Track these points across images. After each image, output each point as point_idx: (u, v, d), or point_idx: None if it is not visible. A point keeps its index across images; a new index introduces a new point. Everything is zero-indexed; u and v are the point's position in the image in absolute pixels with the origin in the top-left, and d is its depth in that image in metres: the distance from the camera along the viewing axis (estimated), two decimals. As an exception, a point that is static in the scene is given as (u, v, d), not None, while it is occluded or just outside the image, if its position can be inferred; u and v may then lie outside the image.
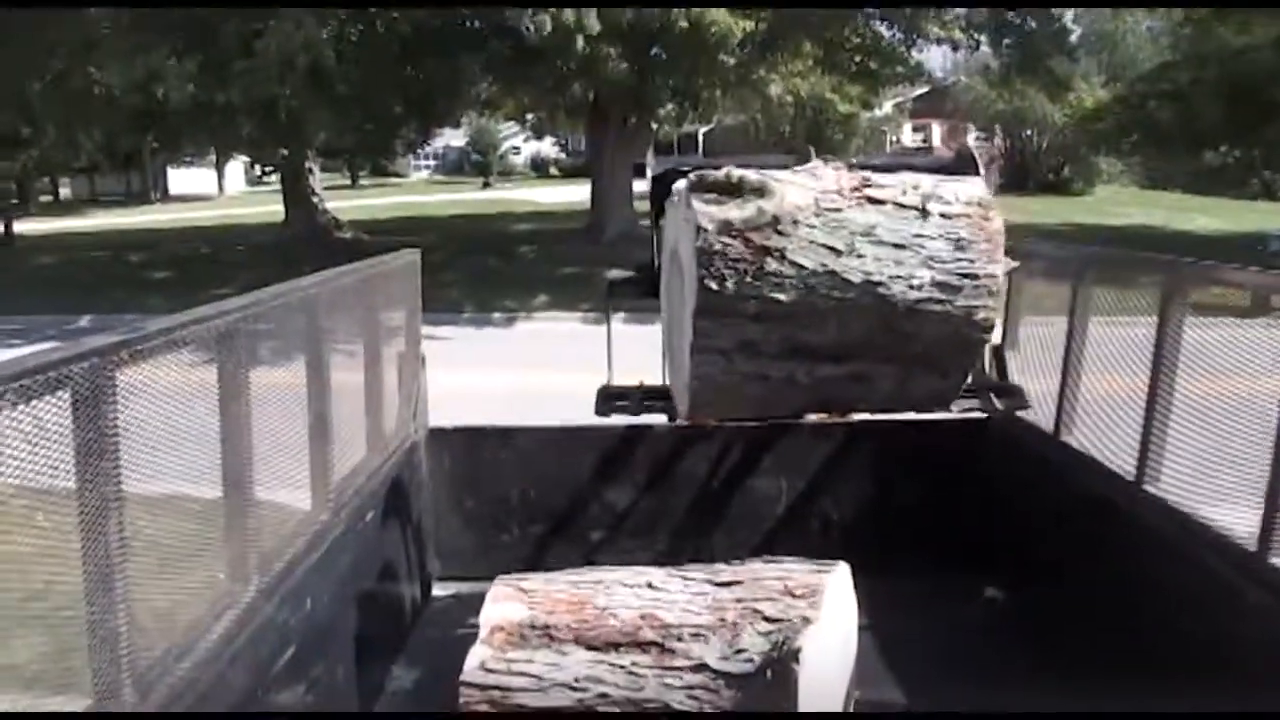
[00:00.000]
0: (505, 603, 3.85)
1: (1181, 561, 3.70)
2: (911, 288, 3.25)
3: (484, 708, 3.64)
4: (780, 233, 3.19)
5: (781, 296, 3.21)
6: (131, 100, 18.75)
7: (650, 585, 3.83)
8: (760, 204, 3.20)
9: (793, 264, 3.18)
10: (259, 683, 3.30)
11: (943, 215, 3.31)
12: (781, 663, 3.39)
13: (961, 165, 4.83)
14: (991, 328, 3.44)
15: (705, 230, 3.15)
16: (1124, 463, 4.23)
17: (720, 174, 3.26)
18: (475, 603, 4.94)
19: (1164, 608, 3.78)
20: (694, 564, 4.04)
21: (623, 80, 20.29)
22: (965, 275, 3.28)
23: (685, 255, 3.34)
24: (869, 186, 3.32)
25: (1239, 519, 3.44)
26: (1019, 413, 5.00)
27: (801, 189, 3.26)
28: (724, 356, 3.35)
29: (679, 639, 3.58)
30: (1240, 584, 3.37)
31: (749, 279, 3.19)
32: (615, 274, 5.14)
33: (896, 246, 3.25)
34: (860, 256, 3.22)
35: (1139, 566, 3.99)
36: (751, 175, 3.25)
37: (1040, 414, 5.05)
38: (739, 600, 3.63)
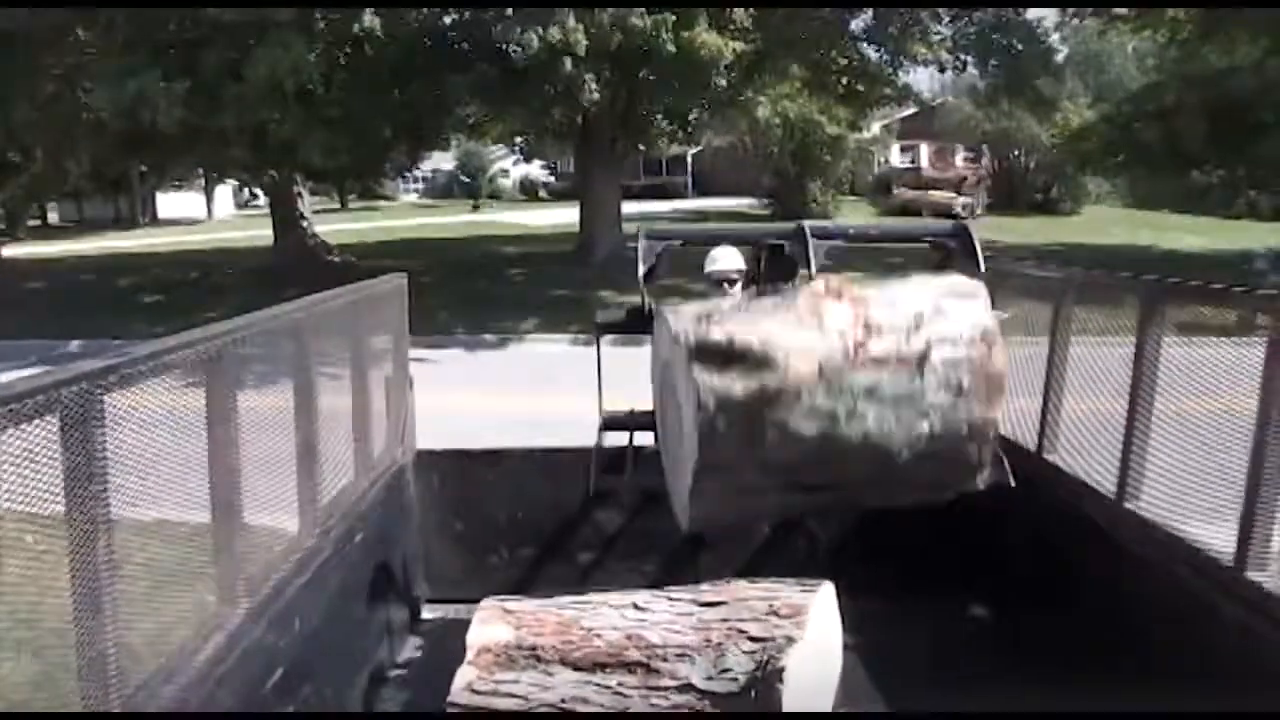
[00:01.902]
0: (492, 624, 3.90)
1: (1161, 578, 3.73)
2: (910, 440, 3.29)
3: None
4: (783, 405, 3.22)
5: (782, 457, 3.26)
6: (120, 124, 18.75)
7: (636, 606, 3.86)
8: (764, 378, 3.20)
9: (794, 433, 3.22)
10: (247, 704, 3.31)
11: (944, 360, 3.33)
12: (765, 682, 3.42)
13: (960, 240, 4.95)
14: (985, 465, 3.50)
15: (706, 404, 3.17)
16: (1105, 480, 4.26)
17: (723, 339, 3.25)
18: (464, 625, 4.96)
19: (1145, 623, 3.81)
20: (679, 585, 4.07)
21: (610, 103, 20.38)
22: (964, 422, 3.32)
23: (681, 388, 3.37)
24: (872, 335, 3.32)
25: (1216, 535, 3.47)
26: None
27: (806, 357, 3.25)
28: (723, 496, 3.42)
29: (664, 659, 3.61)
30: (1217, 599, 3.41)
31: (749, 446, 3.23)
32: (603, 317, 5.36)
33: (897, 402, 3.28)
34: (861, 418, 3.26)
35: (1119, 583, 4.03)
36: (755, 344, 3.23)
37: (1022, 433, 5.10)
38: (724, 620, 3.66)
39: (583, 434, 4.98)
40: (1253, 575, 3.26)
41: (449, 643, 5.30)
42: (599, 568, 5.55)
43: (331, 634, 4.23)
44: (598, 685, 3.64)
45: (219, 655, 3.09)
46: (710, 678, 3.51)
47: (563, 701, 3.66)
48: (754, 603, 3.69)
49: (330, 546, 4.22)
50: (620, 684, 3.61)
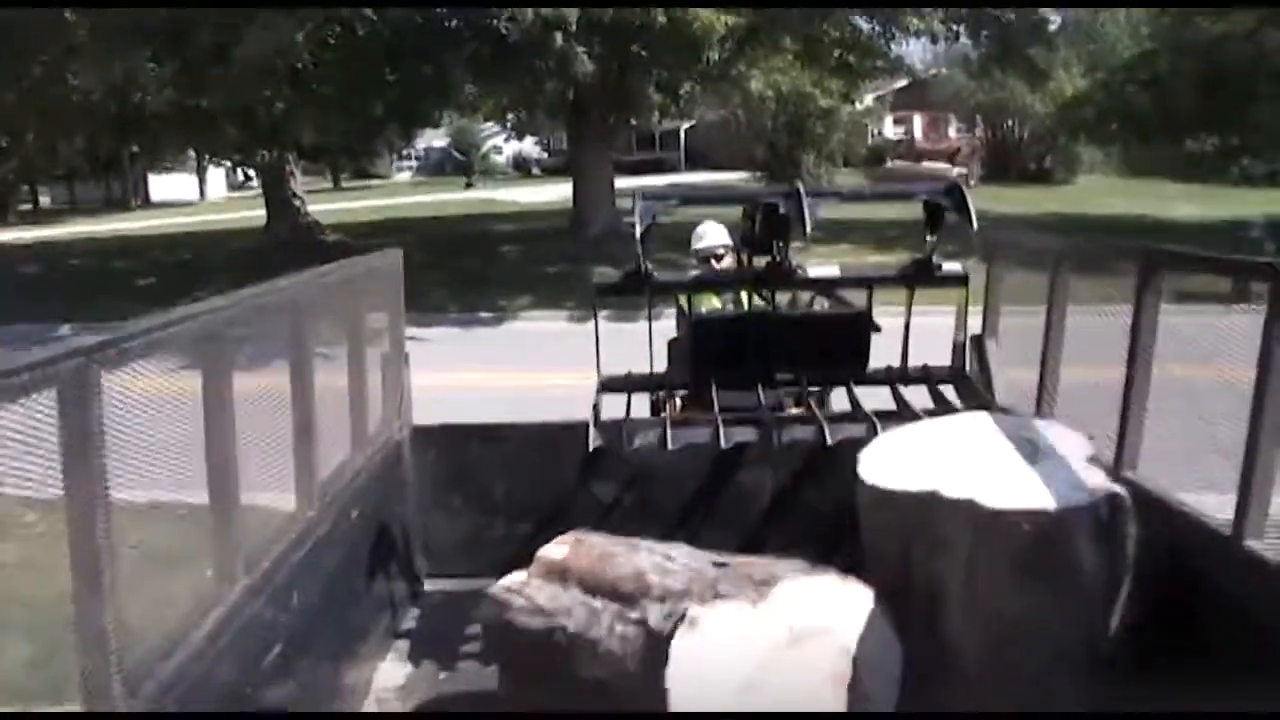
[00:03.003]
0: (559, 545, 4.30)
1: (1158, 546, 3.73)
2: None
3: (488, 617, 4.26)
4: None
5: None
6: (110, 106, 18.67)
7: (668, 556, 3.99)
8: None
9: None
10: (247, 679, 3.32)
11: None
12: (670, 634, 3.49)
13: (953, 198, 5.00)
14: None
15: None
16: (1101, 449, 4.25)
17: None
18: (463, 599, 5.00)
19: (1142, 593, 3.81)
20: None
21: (602, 76, 20.29)
22: None
23: None
24: None
25: (1214, 504, 3.47)
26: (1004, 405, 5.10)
27: None
28: None
29: (646, 595, 3.74)
30: (1214, 568, 3.42)
31: None
32: (601, 281, 5.51)
33: None
34: None
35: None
36: None
37: (1021, 402, 5.09)
38: (716, 579, 3.69)
39: (578, 410, 5.02)
40: (1251, 543, 3.26)
41: (449, 616, 5.33)
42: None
43: (331, 608, 4.25)
44: (585, 604, 3.90)
45: (217, 630, 3.09)
46: (664, 619, 3.56)
47: (553, 611, 3.97)
48: (755, 568, 3.70)
49: (328, 521, 4.23)
50: (604, 607, 3.83)
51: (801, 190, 4.85)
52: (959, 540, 3.57)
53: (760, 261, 5.50)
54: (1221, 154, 32.41)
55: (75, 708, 2.44)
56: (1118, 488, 3.51)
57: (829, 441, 4.75)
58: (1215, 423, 3.49)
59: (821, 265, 5.65)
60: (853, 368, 5.44)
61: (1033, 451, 3.90)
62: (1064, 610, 3.50)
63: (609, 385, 5.29)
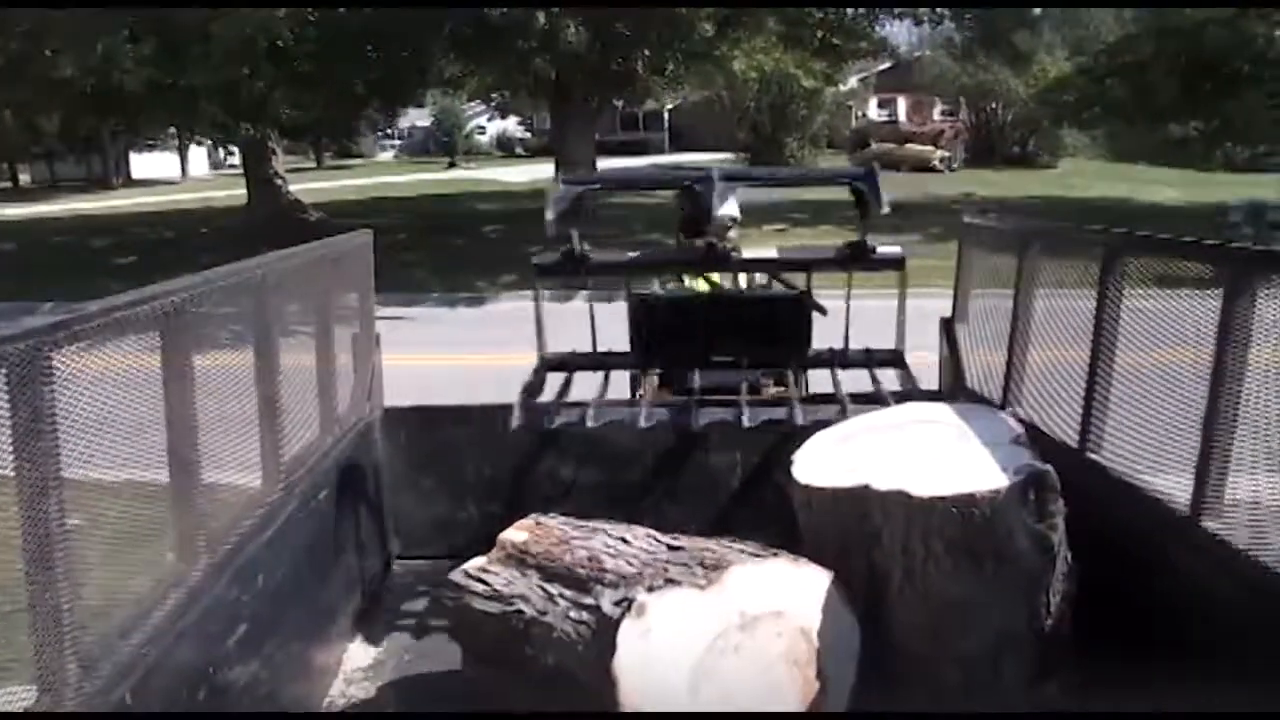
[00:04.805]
0: (519, 529, 4.29)
1: (1120, 527, 3.76)
2: None
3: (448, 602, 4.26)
4: None
5: None
6: (88, 84, 18.55)
7: (624, 540, 3.99)
8: None
9: None
10: (209, 660, 3.32)
11: None
12: (620, 618, 3.49)
13: (866, 181, 5.20)
14: None
15: None
16: (1067, 432, 4.28)
17: None
18: (434, 581, 5.00)
19: (1106, 574, 3.84)
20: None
21: (585, 54, 20.24)
22: None
23: None
24: None
25: (1174, 484, 3.50)
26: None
27: None
28: None
29: (600, 581, 3.74)
30: (1173, 548, 3.45)
31: None
32: (541, 260, 5.66)
33: None
34: None
35: (1082, 533, 4.05)
36: None
37: (989, 386, 5.12)
38: (668, 563, 3.70)
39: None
40: (1208, 524, 3.28)
41: (419, 598, 5.34)
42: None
43: (297, 589, 4.24)
44: (542, 591, 3.89)
45: (178, 610, 3.09)
46: (615, 604, 3.58)
47: (510, 596, 3.96)
48: (708, 554, 3.72)
49: (295, 501, 4.22)
50: (560, 594, 3.82)
51: (714, 176, 5.01)
52: (894, 531, 3.63)
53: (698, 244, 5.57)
54: (1204, 139, 32.50)
55: (25, 689, 2.44)
56: (1044, 466, 3.55)
57: (800, 421, 4.80)
58: (1180, 405, 3.51)
59: (758, 249, 5.74)
60: (793, 350, 5.54)
61: (961, 437, 3.96)
62: (1002, 590, 3.54)
63: (549, 365, 5.53)
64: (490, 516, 5.28)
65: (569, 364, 5.60)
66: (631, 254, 6.19)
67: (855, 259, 5.42)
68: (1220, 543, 3.21)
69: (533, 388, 5.36)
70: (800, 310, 5.56)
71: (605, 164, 25.55)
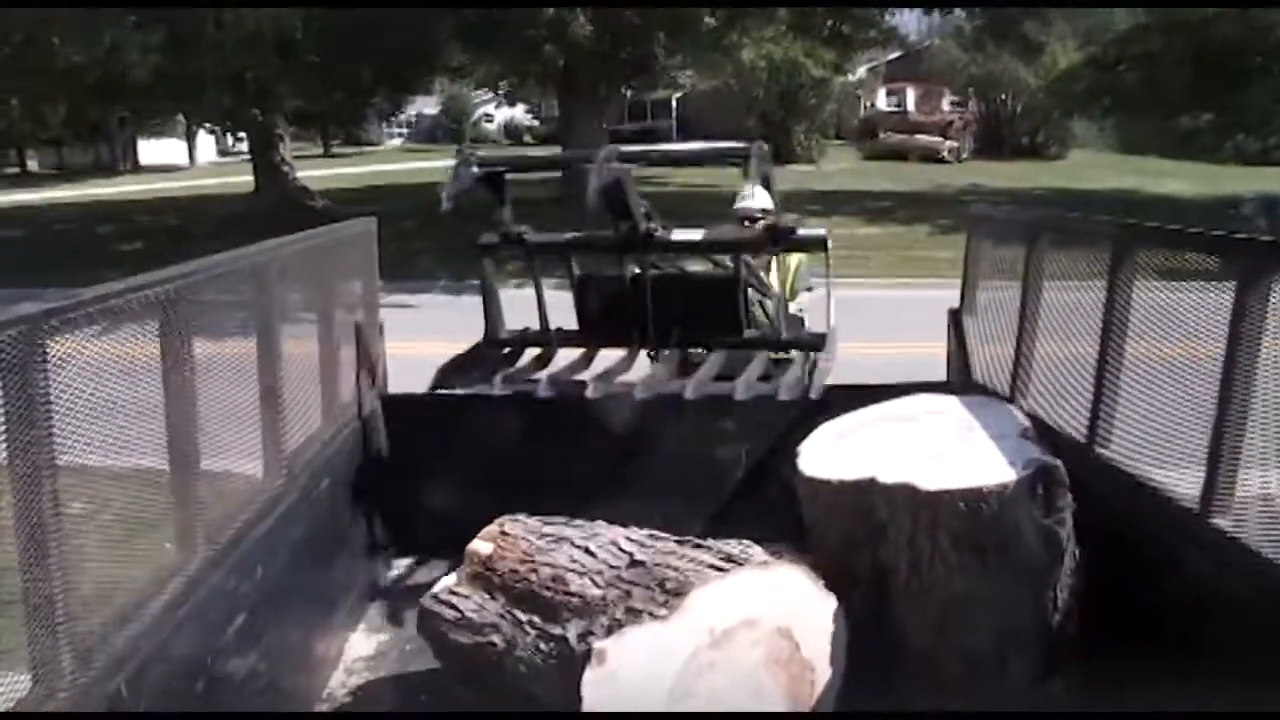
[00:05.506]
0: (486, 539, 4.22)
1: (1129, 523, 3.72)
2: None
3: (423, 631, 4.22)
4: None
5: None
6: (96, 73, 18.52)
7: (588, 551, 3.92)
8: None
9: None
10: (207, 650, 3.29)
11: None
12: (584, 657, 3.43)
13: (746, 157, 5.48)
14: None
15: None
16: (1076, 426, 4.24)
17: None
18: (434, 570, 4.97)
19: (1114, 570, 3.80)
20: (652, 532, 4.06)
21: (595, 43, 20.17)
22: None
23: None
24: None
25: (1183, 480, 3.46)
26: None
27: None
28: None
29: (565, 607, 3.69)
30: (1183, 545, 3.40)
31: None
32: (485, 239, 6.16)
33: None
34: None
35: (1090, 529, 4.01)
36: None
37: (996, 379, 5.08)
38: (631, 584, 3.63)
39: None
40: (1216, 521, 3.24)
41: (419, 588, 5.30)
42: (572, 512, 5.51)
43: (297, 579, 4.22)
44: (512, 619, 3.84)
45: (176, 600, 3.06)
46: (580, 636, 3.53)
47: (482, 625, 3.92)
48: (668, 570, 3.64)
49: (297, 491, 4.19)
50: (530, 622, 3.77)
51: (599, 155, 5.22)
52: (900, 525, 3.59)
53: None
54: (1214, 130, 32.34)
55: (19, 677, 2.41)
56: (1053, 461, 3.51)
57: (738, 397, 5.18)
58: (1190, 399, 3.47)
59: (685, 230, 5.80)
60: (726, 330, 5.67)
61: (968, 430, 3.91)
62: (1008, 586, 3.50)
63: (495, 343, 6.01)
64: (491, 506, 5.26)
65: (516, 342, 6.09)
66: (568, 235, 6.26)
67: (780, 240, 5.61)
68: (1230, 539, 3.18)
69: (463, 363, 5.77)
70: (732, 292, 5.65)
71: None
